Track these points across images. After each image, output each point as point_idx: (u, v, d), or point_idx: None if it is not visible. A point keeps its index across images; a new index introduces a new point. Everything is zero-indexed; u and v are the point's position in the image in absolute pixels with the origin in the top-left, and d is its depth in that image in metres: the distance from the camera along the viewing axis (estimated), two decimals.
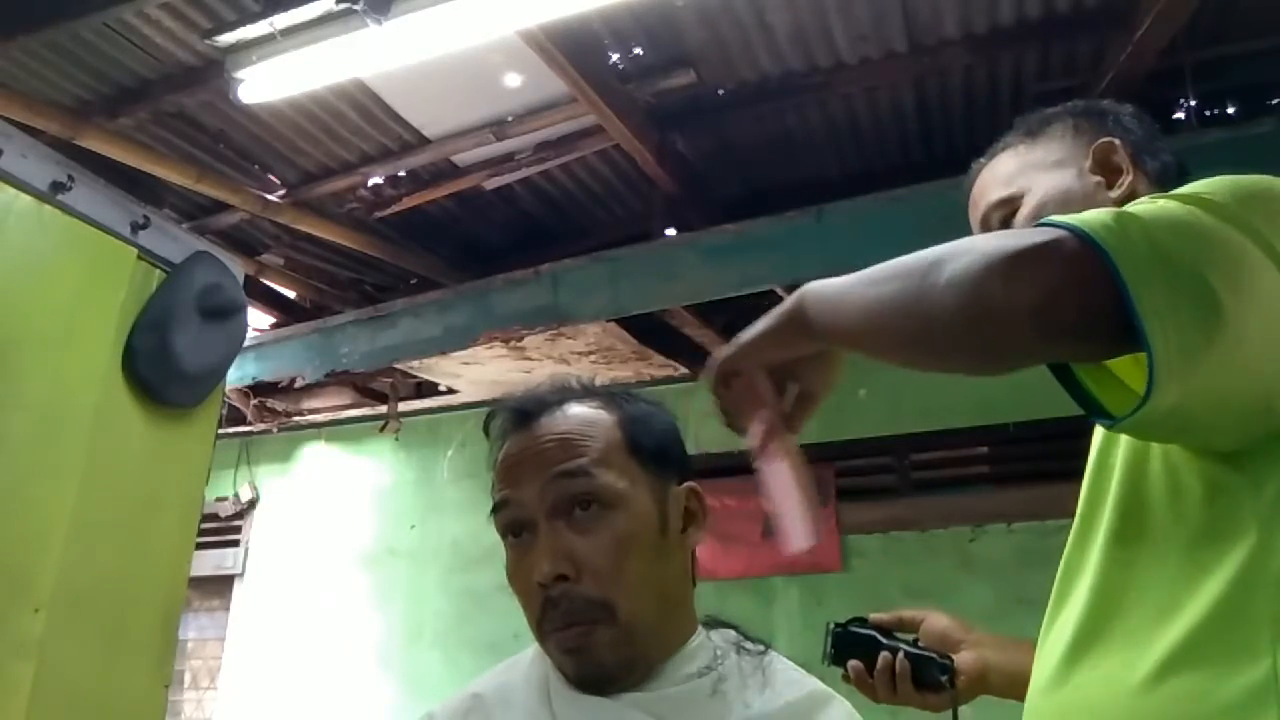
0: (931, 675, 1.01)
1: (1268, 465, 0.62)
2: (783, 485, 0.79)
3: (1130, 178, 0.90)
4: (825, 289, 0.75)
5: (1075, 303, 0.59)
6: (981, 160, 1.03)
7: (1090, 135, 0.95)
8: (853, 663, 1.05)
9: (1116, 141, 0.93)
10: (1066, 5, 2.57)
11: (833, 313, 0.74)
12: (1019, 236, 0.62)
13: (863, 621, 1.08)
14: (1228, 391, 0.61)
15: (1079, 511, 0.76)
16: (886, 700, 1.05)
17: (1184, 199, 0.65)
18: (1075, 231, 0.59)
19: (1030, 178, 0.95)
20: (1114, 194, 0.89)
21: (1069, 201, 0.90)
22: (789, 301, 0.78)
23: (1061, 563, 0.76)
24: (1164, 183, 0.89)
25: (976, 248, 0.62)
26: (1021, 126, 1.02)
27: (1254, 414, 0.62)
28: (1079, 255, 0.59)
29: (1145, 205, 0.64)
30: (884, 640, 1.05)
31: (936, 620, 1.10)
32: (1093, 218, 0.60)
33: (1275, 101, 2.78)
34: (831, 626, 1.08)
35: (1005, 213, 0.95)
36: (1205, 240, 0.60)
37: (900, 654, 1.03)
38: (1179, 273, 0.57)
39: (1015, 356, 0.63)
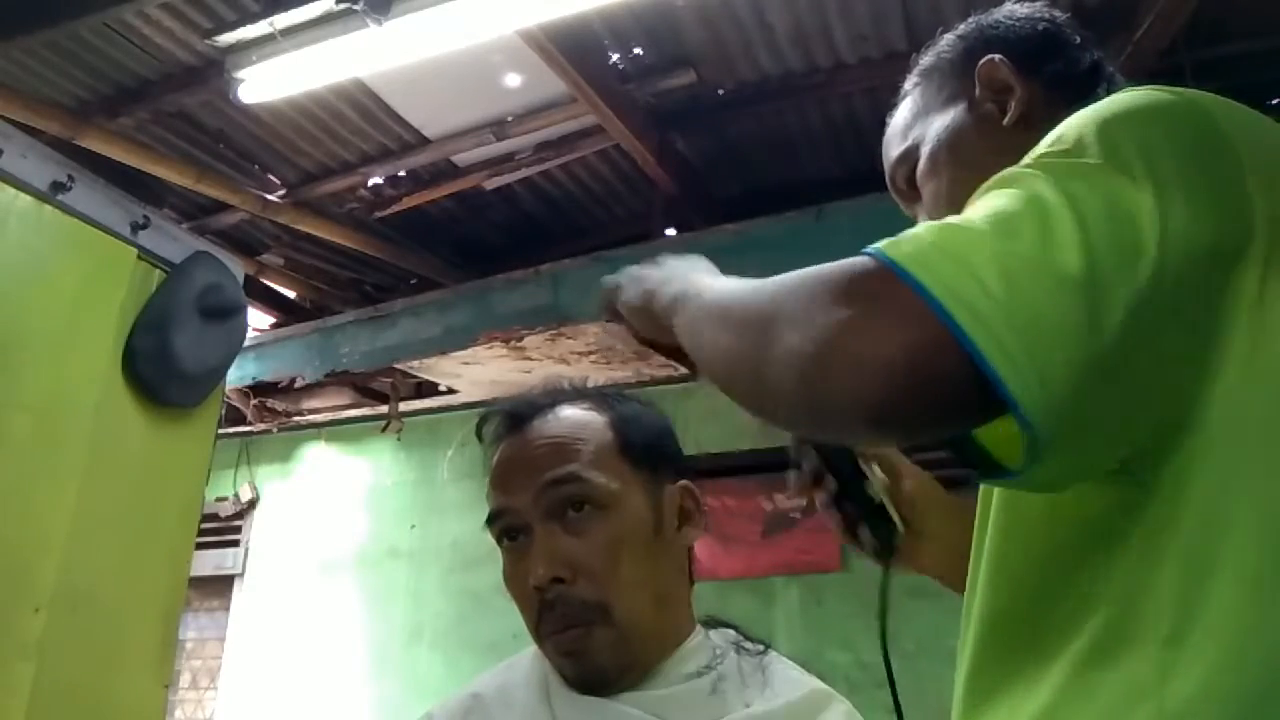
0: (870, 534, 0.88)
1: (1161, 467, 0.52)
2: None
3: (1021, 94, 0.78)
4: (689, 304, 0.68)
5: (917, 386, 0.48)
6: (891, 113, 0.92)
7: (980, 56, 0.81)
8: (809, 466, 0.88)
9: (996, 57, 0.79)
10: (1066, 6, 2.56)
11: (690, 339, 0.67)
12: (842, 290, 0.51)
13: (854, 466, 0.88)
14: (1141, 397, 0.52)
15: (975, 526, 0.66)
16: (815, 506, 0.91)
17: (1049, 166, 0.55)
18: (901, 275, 0.49)
19: (924, 124, 0.84)
20: (1007, 120, 0.78)
21: (959, 142, 0.80)
22: (666, 297, 0.72)
23: (968, 583, 0.66)
24: (1065, 90, 0.78)
25: (799, 309, 0.52)
26: (918, 65, 0.89)
27: (1165, 406, 0.53)
28: (910, 315, 0.48)
29: (986, 209, 0.53)
30: (850, 470, 0.87)
31: (909, 475, 0.93)
32: (923, 248, 0.50)
33: (1275, 101, 2.78)
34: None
35: (906, 170, 0.85)
36: (1069, 239, 0.49)
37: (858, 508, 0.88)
38: (1037, 304, 0.47)
39: (873, 443, 0.55)
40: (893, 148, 0.88)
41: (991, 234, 0.50)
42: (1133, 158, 0.54)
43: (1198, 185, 0.53)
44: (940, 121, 0.82)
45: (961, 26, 0.88)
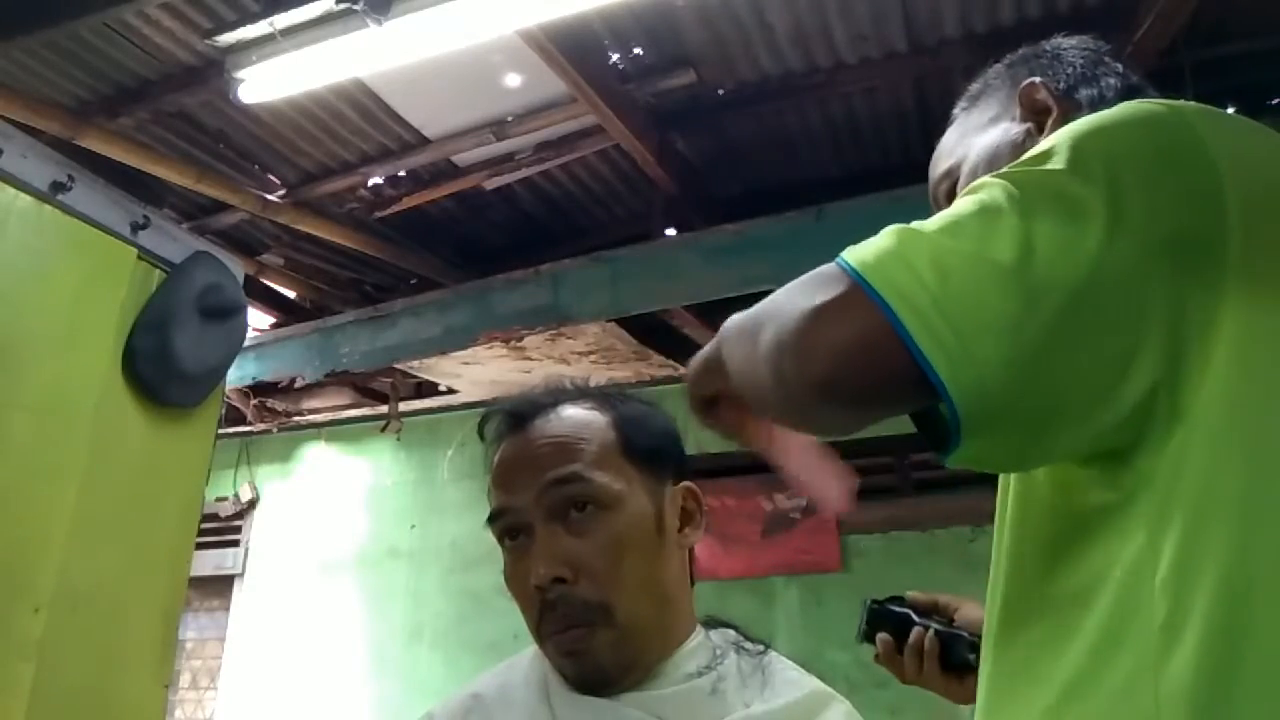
0: (960, 654, 0.97)
1: (1157, 457, 0.55)
2: (806, 467, 0.83)
3: (1057, 114, 0.81)
4: (725, 336, 0.70)
5: (862, 365, 0.54)
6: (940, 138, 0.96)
7: (1023, 81, 0.86)
8: (882, 636, 1.03)
9: (1037, 80, 0.84)
10: (1067, 5, 2.57)
11: (729, 364, 0.69)
12: (809, 291, 0.57)
13: (900, 600, 1.06)
14: (1092, 387, 0.54)
15: (995, 520, 0.69)
16: (912, 679, 1.01)
17: (1010, 173, 0.59)
18: (853, 275, 0.55)
19: (968, 143, 0.89)
20: (1043, 137, 0.78)
21: (997, 158, 0.83)
22: (716, 339, 0.74)
23: (990, 577, 0.68)
24: (1100, 110, 0.81)
25: (778, 310, 0.59)
26: (966, 92, 0.94)
27: (1132, 397, 0.54)
28: (856, 306, 0.54)
29: (943, 213, 0.58)
30: (916, 618, 1.03)
31: (972, 610, 1.04)
32: (873, 251, 0.56)
33: (1275, 101, 2.78)
34: (869, 602, 1.06)
35: (948, 185, 0.90)
36: (1012, 233, 0.53)
37: (931, 631, 1.00)
38: (967, 293, 0.52)
39: (842, 425, 0.59)
40: (938, 166, 0.92)
41: (937, 234, 0.56)
42: (1095, 161, 0.57)
43: (1161, 187, 0.57)
44: (982, 141, 0.86)
45: (1009, 57, 0.93)
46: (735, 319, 0.70)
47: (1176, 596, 0.52)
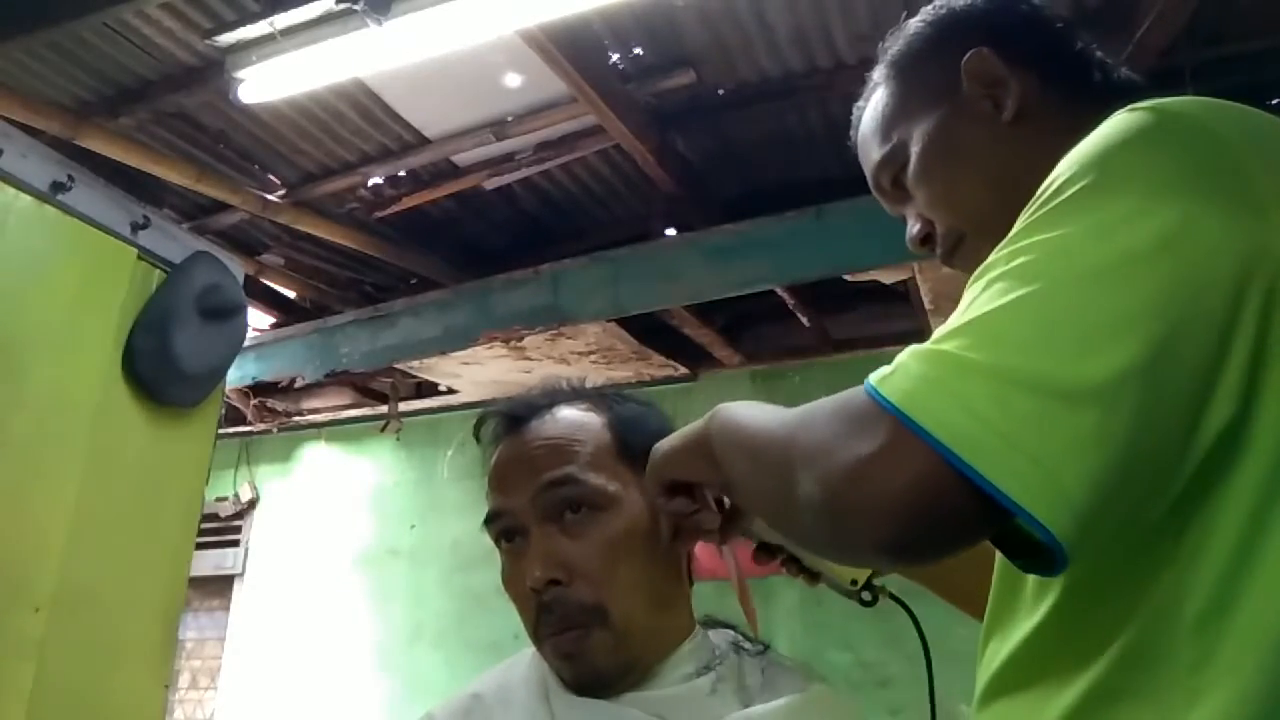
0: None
1: (1189, 503, 0.52)
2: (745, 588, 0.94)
3: (1015, 87, 0.73)
4: (726, 430, 0.69)
5: (933, 521, 0.49)
6: (860, 104, 0.86)
7: (962, 48, 0.75)
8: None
9: (985, 49, 0.74)
10: (1067, 6, 2.57)
11: (727, 468, 0.68)
12: (846, 434, 0.52)
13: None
14: (1174, 458, 0.51)
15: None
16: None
17: (1026, 256, 0.52)
18: (900, 417, 0.49)
19: (908, 123, 0.79)
20: (1005, 116, 0.73)
21: (953, 141, 0.76)
22: (701, 425, 0.73)
23: (992, 592, 0.66)
24: (1059, 76, 0.74)
25: (813, 454, 0.53)
26: (887, 55, 0.83)
27: (1200, 452, 0.52)
28: (913, 456, 0.48)
29: (974, 309, 0.52)
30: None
31: None
32: (912, 383, 0.50)
33: (1275, 101, 2.78)
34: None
35: (893, 172, 0.80)
36: (1064, 328, 0.49)
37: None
38: (1039, 425, 0.47)
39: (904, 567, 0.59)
40: (873, 149, 0.83)
41: (981, 349, 0.50)
42: (1133, 207, 0.52)
43: (1211, 212, 0.51)
44: (928, 120, 0.77)
45: (928, 10, 0.82)
46: (734, 419, 0.67)
47: (1210, 637, 0.50)
